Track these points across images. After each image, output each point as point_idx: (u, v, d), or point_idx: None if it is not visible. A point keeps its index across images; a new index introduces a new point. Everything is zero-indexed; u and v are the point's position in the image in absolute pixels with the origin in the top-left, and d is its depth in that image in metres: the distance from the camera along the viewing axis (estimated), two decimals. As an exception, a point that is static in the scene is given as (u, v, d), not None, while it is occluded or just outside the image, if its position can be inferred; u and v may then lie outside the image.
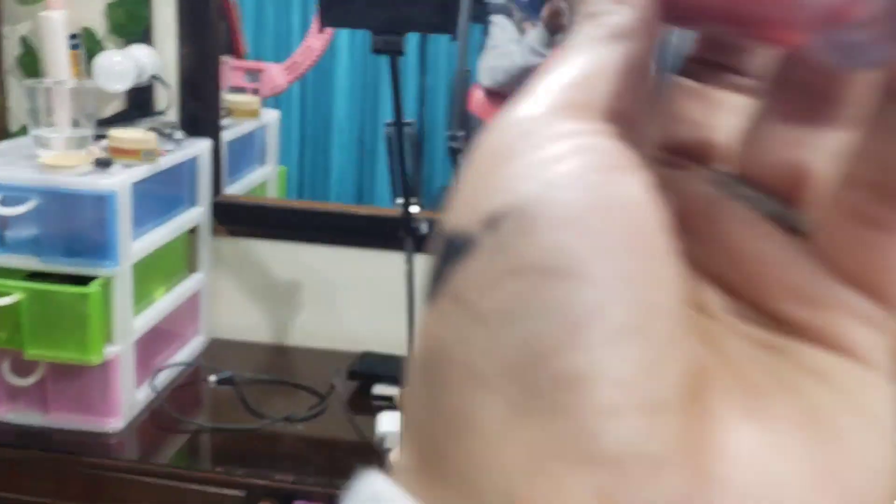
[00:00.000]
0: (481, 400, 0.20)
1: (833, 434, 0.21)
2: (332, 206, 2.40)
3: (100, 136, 1.69)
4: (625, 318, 0.20)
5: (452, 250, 0.22)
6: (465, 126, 2.48)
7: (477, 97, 2.48)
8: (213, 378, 1.81)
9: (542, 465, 0.19)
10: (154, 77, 1.93)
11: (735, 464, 0.20)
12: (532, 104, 0.23)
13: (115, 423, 1.65)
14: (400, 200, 1.64)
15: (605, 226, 0.20)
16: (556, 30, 2.35)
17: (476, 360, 0.20)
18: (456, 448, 0.20)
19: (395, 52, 1.47)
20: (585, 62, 0.23)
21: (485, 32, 2.43)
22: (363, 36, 2.71)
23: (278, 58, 2.31)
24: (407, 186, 1.61)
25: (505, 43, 2.39)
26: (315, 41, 2.22)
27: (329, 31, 2.31)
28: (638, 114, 0.23)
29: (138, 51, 1.90)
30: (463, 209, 0.22)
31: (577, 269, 0.20)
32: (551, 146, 0.22)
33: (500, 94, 2.45)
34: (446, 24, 1.47)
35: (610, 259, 0.20)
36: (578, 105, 0.22)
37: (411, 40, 2.72)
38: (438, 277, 0.22)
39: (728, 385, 0.21)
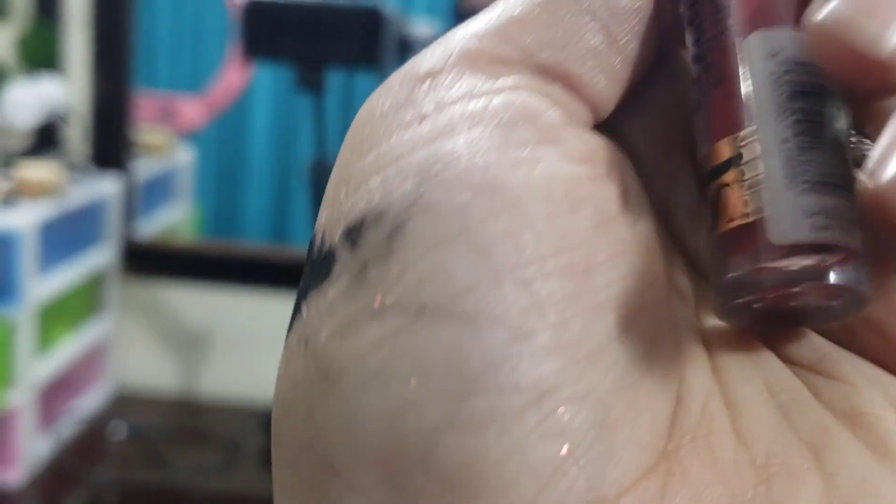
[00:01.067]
0: (335, 496, 0.15)
1: None
2: (247, 248, 2.35)
3: (6, 172, 1.62)
4: (536, 377, 0.15)
5: (312, 269, 0.17)
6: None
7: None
8: (119, 429, 1.74)
9: None
10: (64, 112, 1.86)
11: None
12: (427, 58, 0.17)
13: (14, 476, 1.56)
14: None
15: (506, 228, 0.15)
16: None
17: (327, 438, 0.15)
18: None
19: (318, 88, 1.45)
20: (525, 1, 0.18)
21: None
22: (282, 76, 2.67)
23: (193, 88, 2.25)
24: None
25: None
26: (233, 77, 2.16)
27: (247, 69, 2.26)
28: (604, 67, 0.18)
29: (48, 84, 1.83)
30: (325, 210, 0.17)
31: (463, 305, 0.15)
32: (443, 112, 0.16)
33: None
34: (369, 58, 1.45)
35: (514, 288, 0.15)
36: (496, 55, 0.17)
37: (335, 81, 2.70)
38: (295, 306, 0.17)
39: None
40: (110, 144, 1.92)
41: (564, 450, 0.15)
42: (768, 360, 0.18)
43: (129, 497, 1.60)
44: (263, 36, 1.42)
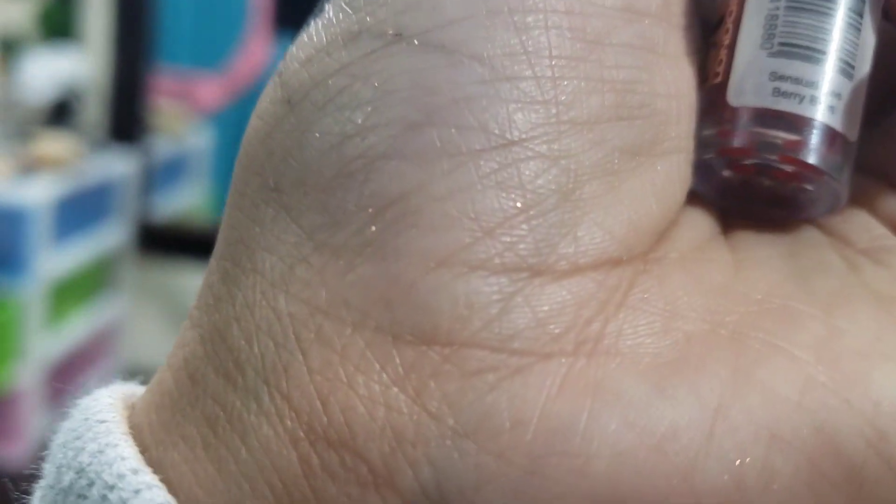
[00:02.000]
0: (269, 221, 0.15)
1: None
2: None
3: (22, 145, 1.62)
4: (504, 121, 0.14)
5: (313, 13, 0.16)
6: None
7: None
8: (129, 410, 1.71)
9: (323, 325, 0.14)
10: (82, 87, 1.85)
11: (601, 406, 0.14)
12: None
13: (20, 453, 1.55)
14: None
15: None
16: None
17: (274, 164, 0.15)
18: (228, 289, 0.15)
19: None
20: None
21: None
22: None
23: (213, 67, 2.23)
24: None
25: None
26: (254, 56, 2.13)
27: (267, 48, 2.23)
28: None
29: (67, 58, 1.82)
30: None
31: (443, 35, 0.14)
32: None
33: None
34: None
35: (507, 29, 0.14)
36: None
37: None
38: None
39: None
40: (127, 120, 1.90)
41: (518, 204, 0.14)
42: (804, 232, 0.17)
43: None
44: (293, 7, 1.40)
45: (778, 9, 0.16)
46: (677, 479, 0.14)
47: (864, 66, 0.16)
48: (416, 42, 0.14)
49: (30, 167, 1.55)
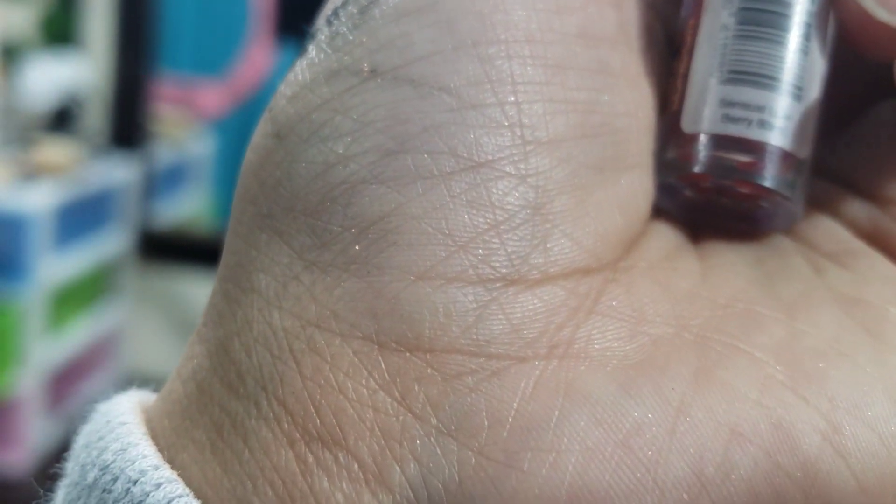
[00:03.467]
0: (264, 244, 0.16)
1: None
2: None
3: (23, 151, 1.62)
4: (474, 146, 0.15)
5: (301, 54, 0.18)
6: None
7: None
8: (129, 417, 1.71)
9: (315, 337, 0.16)
10: (83, 92, 1.85)
11: (572, 405, 0.15)
12: None
13: (20, 460, 1.54)
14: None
15: (469, 16, 0.16)
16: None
17: (267, 192, 0.16)
18: (230, 307, 0.17)
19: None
20: None
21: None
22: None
23: (215, 73, 2.22)
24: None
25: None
26: (256, 64, 2.13)
27: (269, 55, 2.23)
28: None
29: (69, 63, 1.82)
30: (323, 8, 0.18)
31: (413, 70, 0.16)
32: None
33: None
34: None
35: (472, 61, 0.16)
36: None
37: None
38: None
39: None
40: (129, 127, 1.90)
41: (488, 221, 0.15)
42: (772, 239, 0.18)
43: (137, 487, 1.57)
44: (296, 14, 1.41)
45: (728, 38, 0.17)
46: (642, 472, 0.15)
47: (814, 89, 0.17)
48: (389, 77, 0.16)
49: (31, 173, 1.55)
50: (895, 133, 0.18)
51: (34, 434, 1.55)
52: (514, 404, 0.15)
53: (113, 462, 0.16)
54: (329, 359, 0.15)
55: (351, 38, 0.16)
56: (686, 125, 0.17)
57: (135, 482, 0.16)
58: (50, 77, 1.77)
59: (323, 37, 0.17)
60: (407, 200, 0.15)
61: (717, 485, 0.15)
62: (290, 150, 0.16)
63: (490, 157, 0.15)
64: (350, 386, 0.15)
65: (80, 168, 1.62)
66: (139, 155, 1.89)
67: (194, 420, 0.17)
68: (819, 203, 0.18)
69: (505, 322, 0.15)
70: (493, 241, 0.15)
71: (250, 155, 0.17)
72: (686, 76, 0.17)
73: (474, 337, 0.15)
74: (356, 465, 0.15)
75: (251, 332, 0.16)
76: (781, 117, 0.17)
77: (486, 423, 0.15)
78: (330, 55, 0.17)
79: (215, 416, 0.16)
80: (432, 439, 0.15)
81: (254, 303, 0.16)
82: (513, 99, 0.16)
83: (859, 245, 0.18)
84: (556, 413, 0.15)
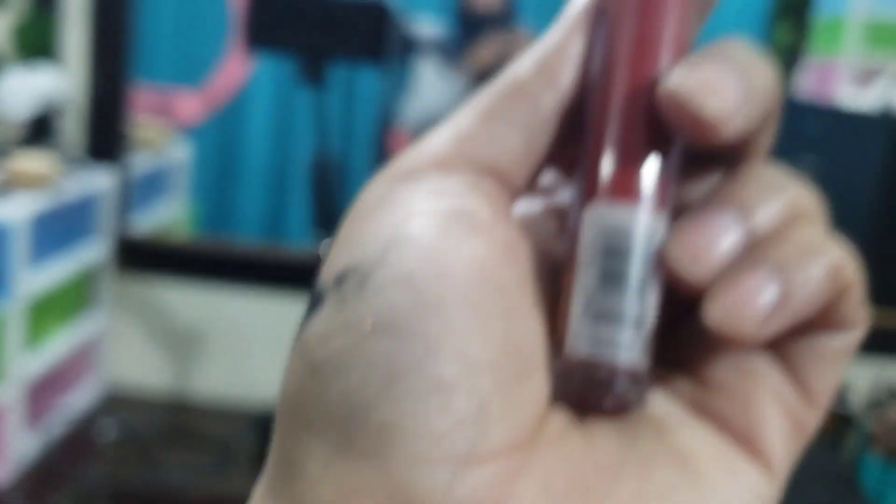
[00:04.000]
0: (307, 443, 0.23)
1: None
2: (242, 247, 2.32)
3: (0, 162, 1.60)
4: (441, 375, 0.22)
5: (312, 303, 0.25)
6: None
7: (402, 142, 2.44)
8: (109, 428, 1.73)
9: (351, 503, 0.22)
10: (60, 103, 1.84)
11: None
12: (405, 162, 0.26)
13: (1, 473, 1.54)
14: (325, 239, 1.58)
15: (435, 286, 0.23)
16: (480, 79, 2.33)
17: (307, 407, 0.24)
18: (289, 484, 0.24)
19: (319, 79, 1.43)
20: (471, 116, 0.26)
21: (410, 69, 2.40)
22: (282, 73, 2.65)
23: (193, 81, 2.22)
24: (330, 221, 1.55)
25: (429, 85, 2.36)
26: (232, 72, 2.14)
27: (245, 64, 2.23)
28: (524, 165, 0.26)
29: (45, 75, 1.81)
30: (327, 264, 0.25)
31: (400, 326, 0.23)
32: (408, 206, 0.24)
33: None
34: (374, 52, 1.45)
35: (434, 318, 0.23)
36: (451, 160, 0.25)
37: (337, 77, 2.67)
38: (299, 328, 0.25)
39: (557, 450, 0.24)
40: (106, 137, 1.90)
41: (452, 422, 0.22)
42: (630, 416, 0.26)
43: (119, 497, 1.58)
44: (268, 25, 1.40)
45: (593, 287, 0.24)
46: None
47: (650, 318, 0.24)
48: (382, 334, 0.23)
49: (8, 184, 1.55)
50: (705, 337, 0.24)
51: (14, 446, 1.55)
52: None
53: None
54: None
55: (356, 301, 0.23)
56: (566, 351, 0.25)
57: None
58: (26, 88, 1.76)
59: (334, 300, 0.24)
60: (403, 413, 0.22)
61: None
62: (323, 381, 0.23)
63: (451, 380, 0.23)
64: None
65: (58, 178, 1.61)
66: (116, 164, 1.89)
67: None
68: (660, 382, 0.26)
69: (466, 487, 0.22)
70: (457, 434, 0.22)
71: (290, 381, 0.24)
72: (565, 314, 0.25)
73: (449, 498, 0.22)
74: None
75: (307, 499, 0.23)
76: (627, 345, 0.24)
77: None
78: (342, 314, 0.24)
79: None
80: None
81: (306, 481, 0.23)
82: (458, 339, 0.23)
83: (687, 413, 0.26)
84: None
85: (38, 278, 1.58)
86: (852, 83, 2.36)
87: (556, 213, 0.28)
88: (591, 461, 0.24)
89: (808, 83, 2.60)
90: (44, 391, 1.67)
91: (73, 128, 1.90)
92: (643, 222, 0.24)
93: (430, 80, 2.38)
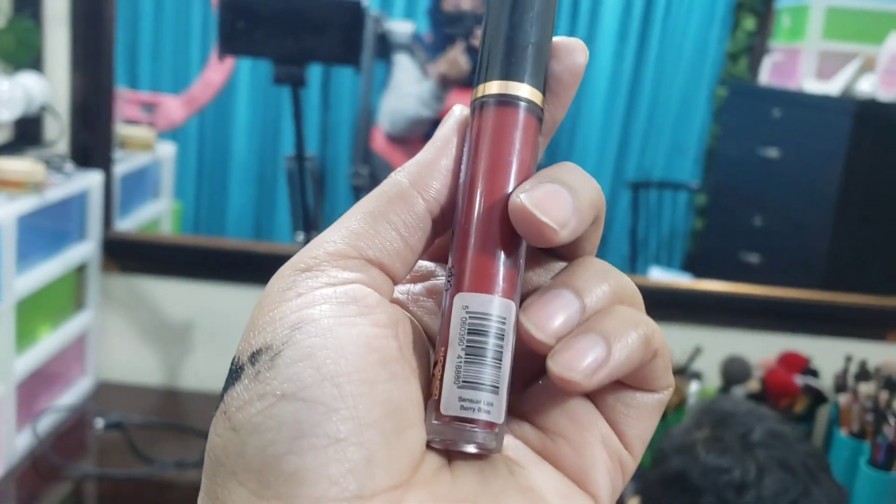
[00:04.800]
0: (231, 489, 0.28)
1: None
2: (229, 242, 2.34)
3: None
4: (336, 432, 0.28)
5: (232, 374, 0.30)
6: (368, 163, 2.46)
7: (380, 136, 2.45)
8: (100, 422, 1.73)
9: None
10: (44, 106, 1.85)
11: None
12: (305, 256, 0.31)
13: (-8, 470, 1.56)
14: (301, 236, 1.60)
15: (332, 361, 0.28)
16: (447, 85, 2.34)
17: (231, 459, 0.29)
18: None
19: (297, 83, 1.44)
20: (360, 216, 0.31)
21: (388, 69, 2.41)
22: (264, 71, 2.66)
23: (175, 90, 2.25)
24: (308, 220, 1.56)
25: (405, 85, 2.37)
26: (215, 74, 2.16)
27: (229, 64, 2.26)
28: (402, 258, 0.31)
29: (28, 79, 1.82)
30: (243, 342, 0.30)
31: (304, 394, 0.28)
32: (310, 294, 0.30)
33: (399, 139, 2.43)
34: (349, 56, 1.45)
35: (331, 387, 0.28)
36: (344, 255, 0.31)
37: (314, 76, 2.69)
38: (222, 395, 0.30)
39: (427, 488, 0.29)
40: (91, 141, 1.91)
41: (346, 469, 0.27)
42: (491, 458, 0.32)
43: (110, 491, 1.59)
44: (239, 33, 1.40)
45: (461, 360, 0.30)
46: None
47: (505, 382, 0.31)
48: (290, 399, 0.28)
49: (-5, 188, 1.56)
50: (548, 394, 0.32)
51: (6, 442, 1.57)
52: None
53: None
54: None
55: (268, 374, 0.29)
56: (441, 409, 0.30)
57: None
58: (12, 91, 1.77)
59: (250, 373, 0.29)
60: (306, 463, 0.27)
61: None
62: (244, 439, 0.28)
63: (343, 436, 0.28)
64: None
65: (45, 180, 1.62)
66: (102, 166, 1.90)
67: None
68: (512, 430, 0.33)
69: None
70: (349, 478, 0.28)
71: (216, 439, 0.29)
72: (441, 379, 0.31)
73: None
74: None
75: None
76: (487, 404, 0.30)
77: None
78: (257, 385, 0.29)
79: None
80: None
81: None
82: (349, 403, 0.28)
83: (533, 455, 0.32)
84: None
85: (26, 278, 1.59)
86: (815, 70, 2.38)
87: (434, 292, 0.35)
88: (455, 496, 0.30)
89: (771, 70, 2.62)
90: (35, 388, 1.68)
91: (58, 132, 1.92)
92: (497, 308, 0.31)
93: (406, 79, 2.39)
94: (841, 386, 1.74)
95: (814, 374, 1.80)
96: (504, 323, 0.31)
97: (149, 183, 2.19)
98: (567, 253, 0.33)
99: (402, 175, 0.32)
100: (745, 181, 2.57)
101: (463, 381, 0.30)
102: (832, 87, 2.27)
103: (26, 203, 1.57)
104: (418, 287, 0.35)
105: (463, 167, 0.32)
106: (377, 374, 0.29)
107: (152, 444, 1.70)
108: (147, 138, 2.11)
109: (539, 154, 0.33)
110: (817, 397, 1.77)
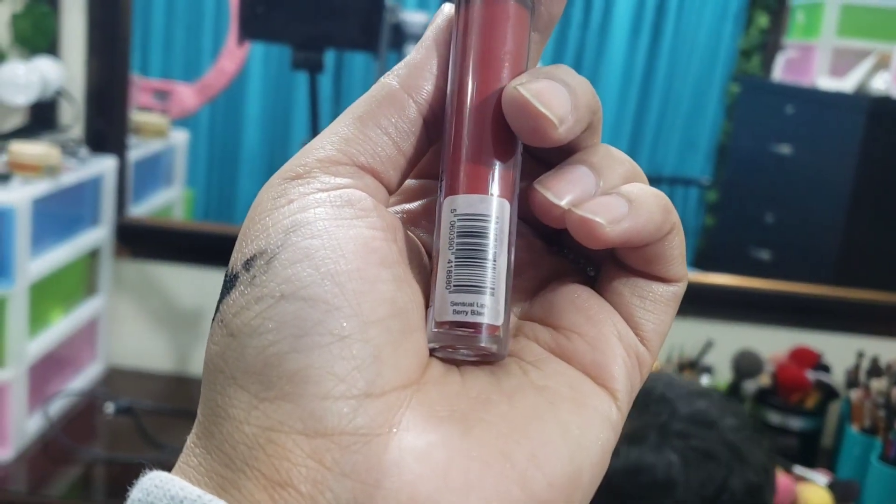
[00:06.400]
0: (231, 394, 0.28)
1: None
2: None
3: (2, 148, 1.62)
4: (339, 329, 0.27)
5: (226, 285, 0.29)
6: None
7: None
8: (110, 407, 1.74)
9: (271, 436, 0.27)
10: (59, 91, 1.86)
11: (404, 453, 0.27)
12: (295, 164, 0.30)
13: (3, 452, 1.57)
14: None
15: (330, 260, 0.28)
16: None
17: (229, 365, 0.28)
18: (217, 428, 0.28)
19: (315, 68, 1.44)
20: (349, 121, 0.30)
21: (401, 59, 2.41)
22: (276, 60, 2.66)
23: (187, 78, 2.24)
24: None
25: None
26: (228, 63, 2.16)
27: (243, 52, 2.26)
28: (395, 165, 0.30)
29: (44, 63, 1.82)
30: (235, 253, 0.29)
31: (303, 293, 0.27)
32: (302, 199, 0.29)
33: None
34: (368, 42, 1.45)
35: (331, 285, 0.27)
36: (335, 160, 0.30)
37: (327, 65, 2.68)
38: (217, 306, 0.29)
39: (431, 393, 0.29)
40: (105, 127, 1.92)
41: (352, 366, 0.27)
42: (505, 360, 0.31)
43: (119, 476, 1.59)
44: (259, 17, 1.40)
45: (451, 264, 0.29)
46: (456, 497, 0.27)
47: (503, 281, 0.29)
48: (290, 299, 0.27)
49: (10, 170, 1.57)
50: (562, 295, 0.32)
51: (17, 425, 1.58)
52: (377, 458, 0.27)
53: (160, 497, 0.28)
54: (280, 445, 0.27)
55: (265, 278, 0.28)
56: (435, 316, 0.29)
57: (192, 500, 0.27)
58: (28, 75, 1.78)
59: (245, 279, 0.28)
60: (311, 361, 0.27)
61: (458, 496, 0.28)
62: (241, 342, 0.28)
63: (348, 333, 0.27)
64: (292, 458, 0.26)
65: (60, 164, 1.63)
66: (116, 151, 1.91)
67: (205, 484, 0.28)
68: (523, 332, 0.32)
69: (366, 416, 0.27)
70: (356, 375, 0.27)
71: (213, 348, 0.29)
72: (434, 287, 0.30)
73: (353, 426, 0.27)
74: (300, 497, 0.26)
75: (234, 438, 0.27)
76: (480, 306, 0.29)
77: (362, 468, 0.26)
78: (254, 289, 0.28)
79: (218, 481, 0.27)
80: (337, 479, 0.26)
81: (232, 423, 0.28)
82: (352, 300, 0.27)
83: (546, 354, 0.31)
84: (398, 457, 0.27)
85: (39, 262, 1.59)
86: (829, 67, 2.38)
87: (432, 211, 0.33)
88: (466, 395, 0.29)
89: (785, 67, 2.61)
90: (46, 371, 1.69)
91: (72, 117, 1.92)
92: (487, 207, 0.29)
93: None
94: (852, 382, 1.74)
95: (825, 369, 1.80)
96: (497, 223, 0.29)
97: (162, 170, 2.19)
98: (558, 162, 0.32)
99: (391, 77, 0.31)
100: (757, 178, 2.56)
101: (454, 286, 0.29)
102: (846, 84, 2.26)
103: (41, 187, 1.58)
104: (415, 205, 0.34)
105: (451, 66, 0.31)
106: (379, 274, 0.28)
107: (162, 429, 1.71)
108: (161, 125, 2.12)
109: (536, 54, 0.31)
110: (829, 393, 1.76)
